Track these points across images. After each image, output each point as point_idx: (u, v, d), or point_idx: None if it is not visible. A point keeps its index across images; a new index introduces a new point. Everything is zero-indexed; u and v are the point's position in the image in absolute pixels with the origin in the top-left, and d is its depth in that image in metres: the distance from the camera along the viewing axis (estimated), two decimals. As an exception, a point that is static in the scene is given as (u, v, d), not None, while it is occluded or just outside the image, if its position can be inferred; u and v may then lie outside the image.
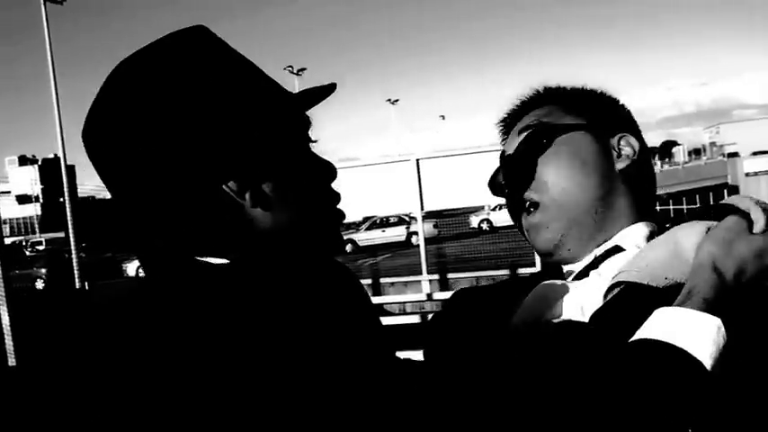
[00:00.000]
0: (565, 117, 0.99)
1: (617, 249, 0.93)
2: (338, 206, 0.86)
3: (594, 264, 0.94)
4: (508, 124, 1.08)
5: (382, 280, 10.82)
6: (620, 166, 0.96)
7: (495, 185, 1.05)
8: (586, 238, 0.94)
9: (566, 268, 0.99)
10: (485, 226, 19.51)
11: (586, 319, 0.86)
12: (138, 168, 0.74)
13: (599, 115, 1.00)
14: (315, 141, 0.85)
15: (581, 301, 0.89)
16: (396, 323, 8.18)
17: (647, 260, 0.84)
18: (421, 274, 9.97)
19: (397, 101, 63.76)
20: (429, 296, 9.67)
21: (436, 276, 10.14)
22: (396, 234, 21.72)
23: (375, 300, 10.06)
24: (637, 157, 0.97)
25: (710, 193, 23.58)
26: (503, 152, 1.05)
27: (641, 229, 0.95)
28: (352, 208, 10.12)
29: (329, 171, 0.85)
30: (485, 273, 10.17)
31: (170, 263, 0.77)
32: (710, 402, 0.72)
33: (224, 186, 0.74)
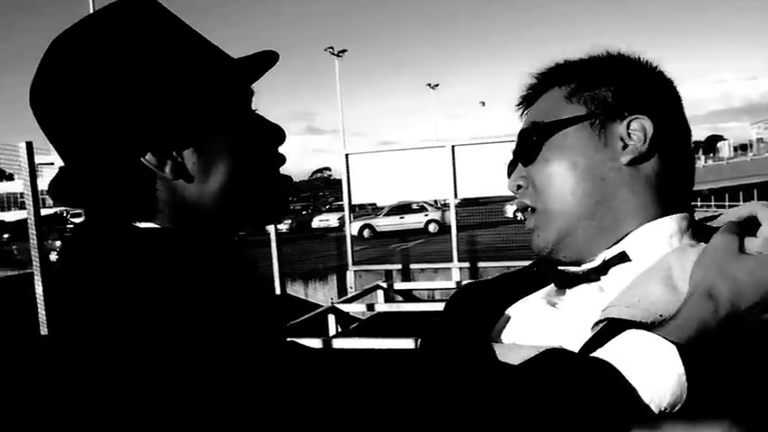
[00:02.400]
0: (566, 107, 0.88)
1: (624, 257, 0.84)
2: (281, 170, 0.84)
3: (604, 268, 0.85)
4: (524, 107, 0.98)
5: (412, 266, 10.78)
6: (625, 159, 0.84)
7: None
8: (586, 242, 0.87)
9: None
10: (519, 215, 19.31)
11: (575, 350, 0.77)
12: (66, 135, 0.74)
13: (610, 98, 0.87)
14: (255, 109, 0.83)
15: (569, 328, 0.81)
16: (424, 310, 8.16)
17: (638, 295, 0.75)
18: (452, 261, 9.90)
19: (437, 86, 63.44)
20: (458, 284, 9.61)
21: (467, 264, 10.06)
22: (414, 221, 21.67)
23: (404, 285, 10.05)
24: (648, 144, 0.83)
25: (755, 191, 22.96)
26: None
27: (651, 232, 0.84)
28: (388, 192, 10.21)
29: (275, 135, 0.83)
30: (516, 263, 10.06)
31: (103, 228, 0.76)
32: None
33: (142, 159, 0.73)
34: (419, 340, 1.02)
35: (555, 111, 0.89)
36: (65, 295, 0.72)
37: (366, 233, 21.46)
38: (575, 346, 0.77)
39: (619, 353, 0.68)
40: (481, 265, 10.14)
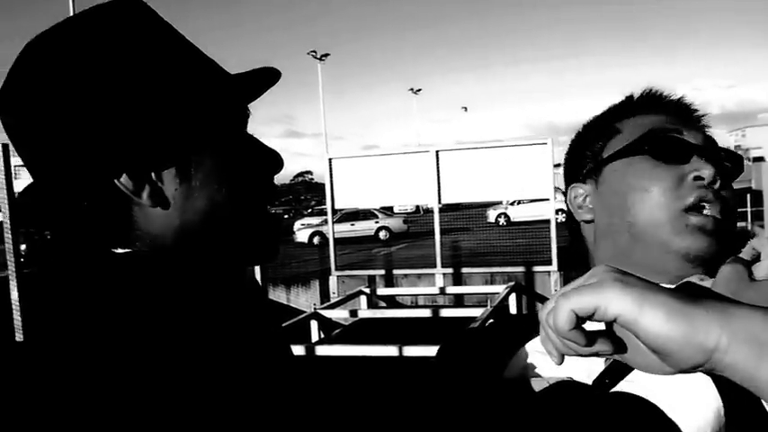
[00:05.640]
0: None
1: None
2: (272, 205, 0.75)
3: None
4: (654, 105, 0.93)
5: (395, 271, 10.74)
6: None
7: (640, 145, 0.88)
8: (711, 272, 0.81)
9: None
10: (502, 220, 19.39)
11: (589, 381, 0.74)
12: (33, 148, 0.64)
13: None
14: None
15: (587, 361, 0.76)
16: (407, 316, 8.12)
17: None
18: (435, 267, 9.88)
19: (419, 90, 63.68)
20: (442, 290, 9.59)
21: (450, 270, 10.04)
22: (365, 228, 21.63)
23: (387, 291, 10.01)
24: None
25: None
26: (676, 129, 0.88)
27: None
28: (371, 196, 10.20)
29: (271, 162, 0.73)
30: (499, 269, 10.07)
31: (80, 253, 0.67)
32: None
33: (116, 182, 0.64)
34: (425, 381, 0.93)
35: None
36: (43, 321, 0.64)
37: (316, 240, 21.30)
38: (585, 376, 0.74)
39: (654, 388, 0.64)
40: (464, 270, 10.13)
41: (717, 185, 0.82)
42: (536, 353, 0.81)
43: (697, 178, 0.83)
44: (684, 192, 0.83)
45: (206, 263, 0.70)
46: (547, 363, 0.80)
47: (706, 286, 0.66)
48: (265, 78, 0.70)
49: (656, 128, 0.88)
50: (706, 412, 0.62)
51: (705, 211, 0.82)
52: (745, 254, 0.71)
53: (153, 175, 0.65)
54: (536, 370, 0.78)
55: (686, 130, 0.87)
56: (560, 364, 0.55)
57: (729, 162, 0.86)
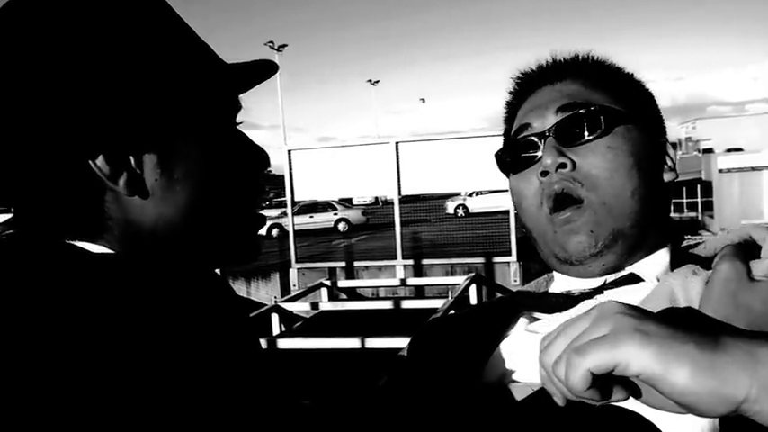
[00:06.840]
0: (614, 103, 0.79)
1: (632, 278, 0.77)
2: (257, 205, 0.71)
3: (599, 290, 0.77)
4: (522, 92, 0.87)
5: (356, 263, 10.75)
6: (667, 177, 0.82)
7: (507, 162, 0.85)
8: (624, 254, 0.77)
9: (561, 287, 0.83)
10: (461, 212, 19.52)
11: None
12: (2, 120, 0.57)
13: (648, 111, 0.83)
14: (239, 123, 0.70)
15: None
16: (368, 308, 8.13)
17: None
18: (395, 258, 9.92)
19: (377, 82, 63.51)
20: (402, 281, 9.63)
21: (411, 261, 10.08)
22: (324, 220, 21.56)
23: (348, 283, 10.01)
24: (676, 171, 0.83)
25: (684, 188, 23.81)
26: (525, 124, 0.82)
27: (663, 257, 0.80)
28: (330, 188, 10.14)
29: (257, 159, 0.70)
30: (459, 260, 10.15)
31: (34, 242, 0.60)
32: None
33: (90, 163, 0.58)
34: (385, 379, 0.90)
35: (605, 101, 0.79)
36: None
37: (275, 232, 21.06)
38: None
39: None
40: (425, 262, 10.18)
41: (567, 168, 0.76)
42: (512, 354, 0.78)
43: (544, 173, 0.78)
44: (541, 194, 0.79)
45: (179, 261, 0.66)
46: (525, 366, 0.77)
47: (706, 313, 0.60)
48: (260, 70, 0.66)
49: (509, 134, 0.86)
50: (702, 423, 0.61)
51: (563, 213, 0.77)
52: (736, 236, 0.70)
53: (132, 160, 0.60)
54: (514, 375, 0.75)
55: (537, 116, 0.81)
56: (564, 405, 0.53)
57: (581, 118, 0.77)
